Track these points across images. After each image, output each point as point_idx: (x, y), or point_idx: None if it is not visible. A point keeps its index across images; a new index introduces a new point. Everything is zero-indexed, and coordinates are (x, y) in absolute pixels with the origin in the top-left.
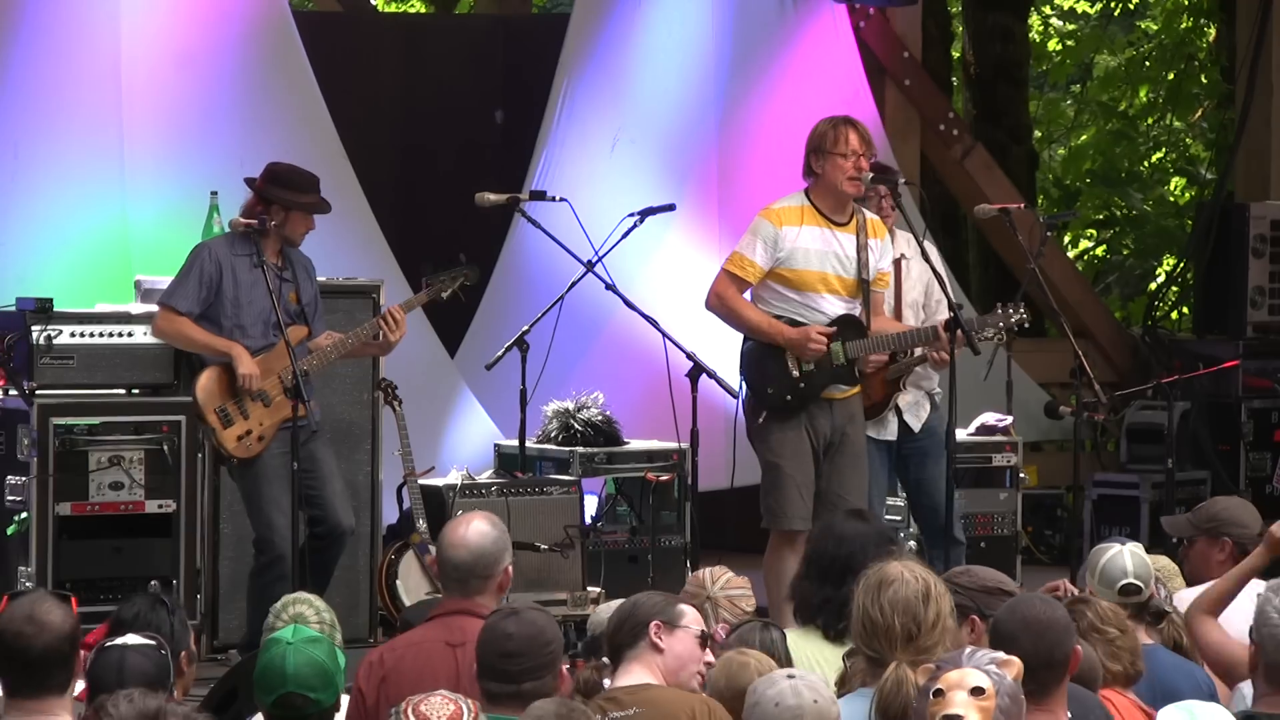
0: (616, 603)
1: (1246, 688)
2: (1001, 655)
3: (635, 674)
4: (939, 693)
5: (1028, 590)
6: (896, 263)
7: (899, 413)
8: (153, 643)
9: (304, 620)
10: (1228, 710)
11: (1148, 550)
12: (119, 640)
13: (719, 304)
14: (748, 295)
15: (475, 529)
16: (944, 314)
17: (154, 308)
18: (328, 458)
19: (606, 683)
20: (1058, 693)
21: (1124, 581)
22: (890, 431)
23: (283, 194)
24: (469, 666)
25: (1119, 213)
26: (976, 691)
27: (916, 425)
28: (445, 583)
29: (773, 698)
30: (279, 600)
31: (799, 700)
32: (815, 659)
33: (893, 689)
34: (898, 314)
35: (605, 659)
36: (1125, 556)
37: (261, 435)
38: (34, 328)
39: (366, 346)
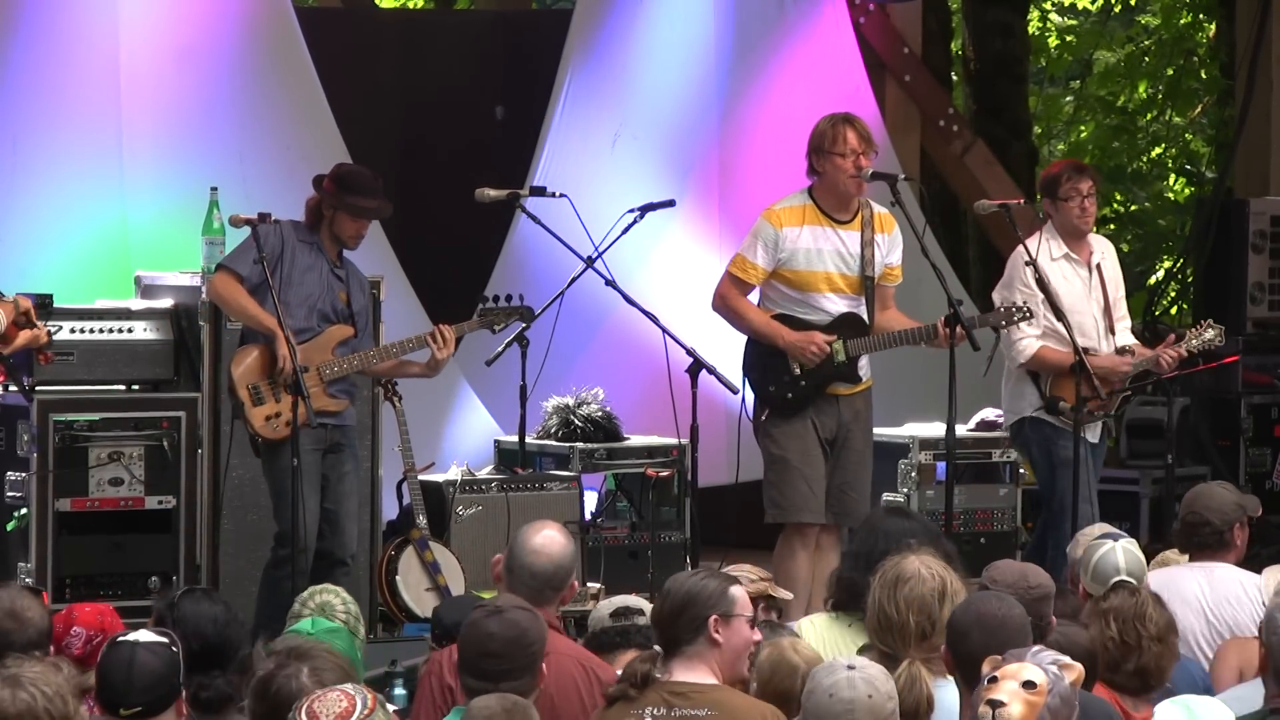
0: (619, 599)
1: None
2: (1065, 659)
3: (697, 670)
4: (993, 680)
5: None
6: (1098, 266)
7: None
8: (164, 640)
9: (331, 608)
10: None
11: (1147, 545)
12: (130, 636)
13: (723, 306)
14: (756, 294)
15: (558, 541)
16: (1123, 311)
17: (153, 304)
18: (353, 475)
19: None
20: None
21: (1117, 579)
22: (1095, 433)
23: (331, 191)
24: (552, 679)
25: (1119, 209)
26: (1028, 685)
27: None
28: (516, 588)
29: (828, 688)
30: (294, 594)
31: (854, 693)
32: (838, 645)
33: (905, 686)
34: (1108, 320)
35: (657, 647)
36: (1118, 553)
37: (289, 420)
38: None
39: (408, 366)
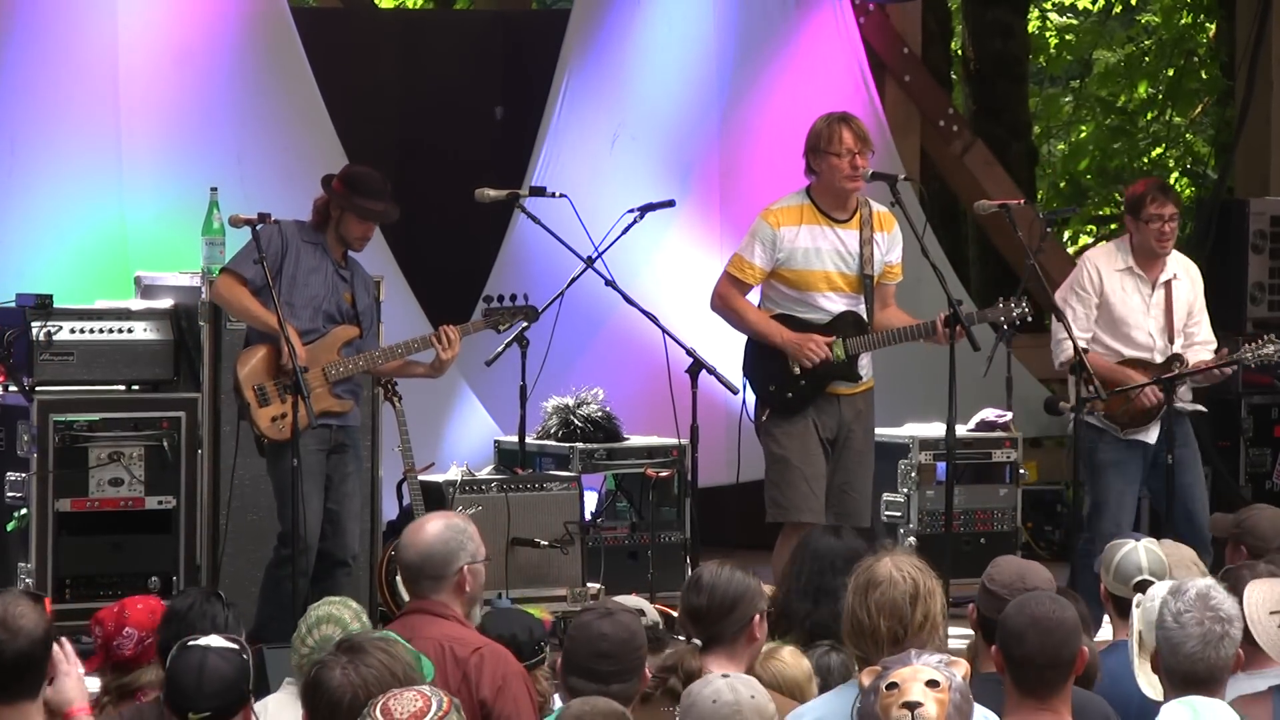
0: (619, 599)
1: None
2: (949, 656)
3: (732, 666)
4: (893, 685)
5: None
6: (1166, 284)
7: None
8: (234, 646)
9: (331, 643)
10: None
11: None
12: (201, 641)
13: (721, 305)
14: (756, 294)
15: (427, 530)
16: (1204, 335)
17: (153, 304)
18: (356, 476)
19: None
20: (1062, 693)
21: (1139, 578)
22: (1152, 435)
23: (340, 192)
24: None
25: (1122, 209)
26: (931, 684)
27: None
28: (405, 582)
29: (710, 695)
30: (301, 597)
31: (736, 696)
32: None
33: None
34: (1169, 336)
35: (696, 641)
36: (1140, 553)
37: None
38: (34, 324)
39: (412, 366)
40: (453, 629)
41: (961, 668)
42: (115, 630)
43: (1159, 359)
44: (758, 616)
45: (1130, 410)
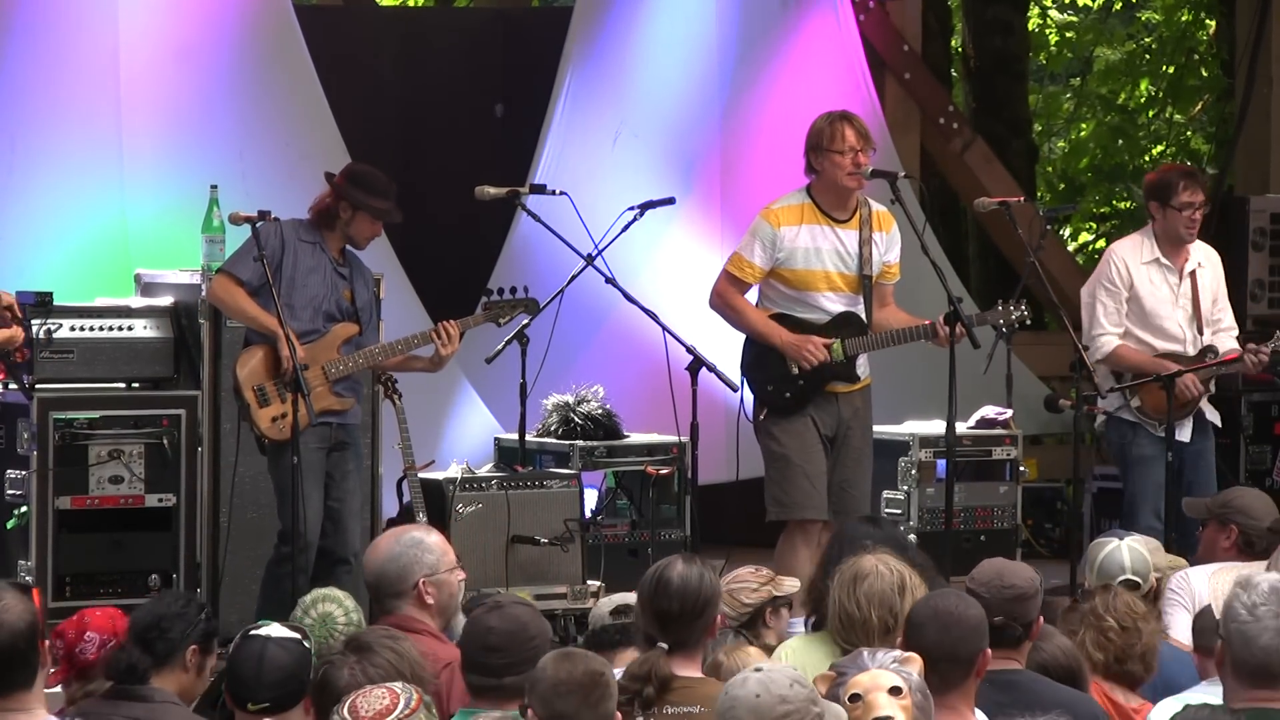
0: (618, 597)
1: None
2: (901, 653)
3: (691, 667)
4: (856, 698)
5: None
6: (1193, 274)
7: (1201, 413)
8: (296, 635)
9: (332, 619)
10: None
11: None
12: (262, 630)
13: (720, 304)
14: (755, 292)
15: (379, 548)
16: (1229, 321)
17: (153, 302)
18: (356, 473)
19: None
20: (962, 689)
21: (1122, 577)
22: (1185, 433)
23: (353, 192)
24: None
25: (1122, 205)
26: (895, 691)
27: (1217, 423)
28: (372, 601)
29: (753, 689)
30: (302, 594)
31: (743, 690)
32: (820, 668)
33: None
34: (1198, 327)
35: (663, 645)
36: (1123, 551)
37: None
38: (34, 321)
39: (413, 361)
40: (425, 644)
41: (915, 664)
42: (77, 638)
43: (1191, 350)
44: (720, 616)
45: (1158, 402)
